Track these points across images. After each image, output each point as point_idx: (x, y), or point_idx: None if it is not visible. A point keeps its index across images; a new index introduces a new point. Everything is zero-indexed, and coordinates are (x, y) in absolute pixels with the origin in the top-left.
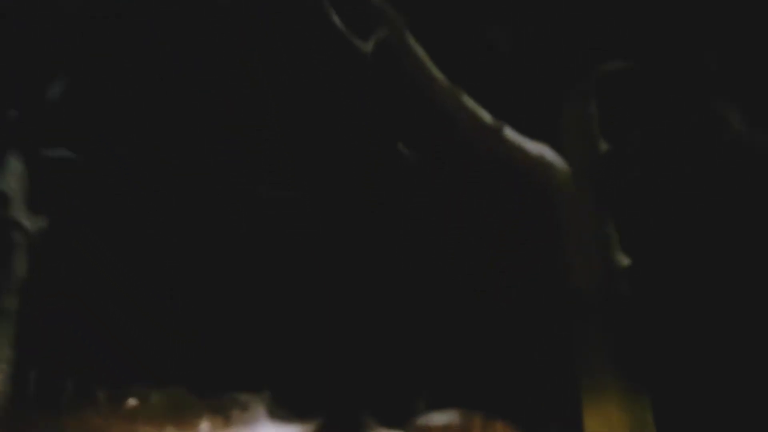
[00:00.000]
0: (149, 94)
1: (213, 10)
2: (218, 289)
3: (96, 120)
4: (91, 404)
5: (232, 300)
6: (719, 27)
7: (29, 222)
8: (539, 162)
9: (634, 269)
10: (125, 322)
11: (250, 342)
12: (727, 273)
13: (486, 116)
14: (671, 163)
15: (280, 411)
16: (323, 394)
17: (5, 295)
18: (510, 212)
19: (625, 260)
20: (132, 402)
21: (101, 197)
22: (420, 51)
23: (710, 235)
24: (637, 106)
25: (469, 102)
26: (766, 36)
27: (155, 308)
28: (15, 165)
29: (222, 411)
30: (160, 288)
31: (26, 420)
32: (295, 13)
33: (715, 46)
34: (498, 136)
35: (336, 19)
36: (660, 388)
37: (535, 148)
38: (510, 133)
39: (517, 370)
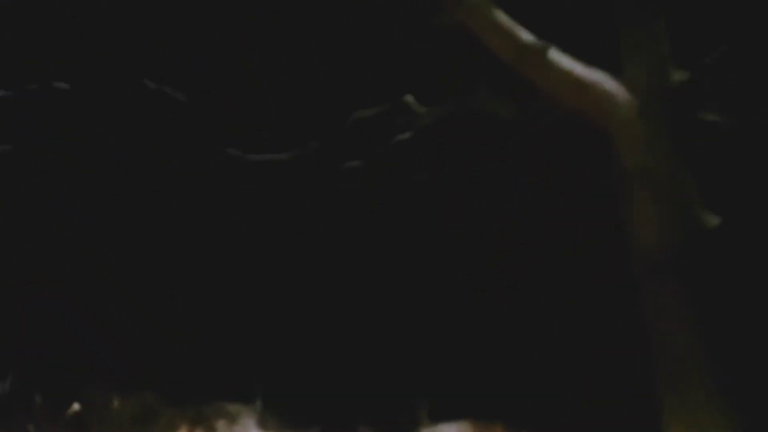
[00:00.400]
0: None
1: None
2: (204, 284)
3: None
4: (27, 410)
5: (218, 298)
6: None
7: None
8: (595, 93)
9: (722, 232)
10: (82, 312)
11: (238, 346)
12: None
13: (525, 36)
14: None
15: (271, 422)
16: (319, 404)
17: None
18: (548, 166)
19: (712, 219)
20: (76, 408)
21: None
22: None
23: None
24: (719, 24)
25: (503, 19)
26: None
27: (122, 297)
28: None
29: (204, 422)
30: (132, 273)
31: None
32: None
33: None
34: (541, 60)
35: None
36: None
37: (590, 75)
38: (557, 57)
39: (544, 372)
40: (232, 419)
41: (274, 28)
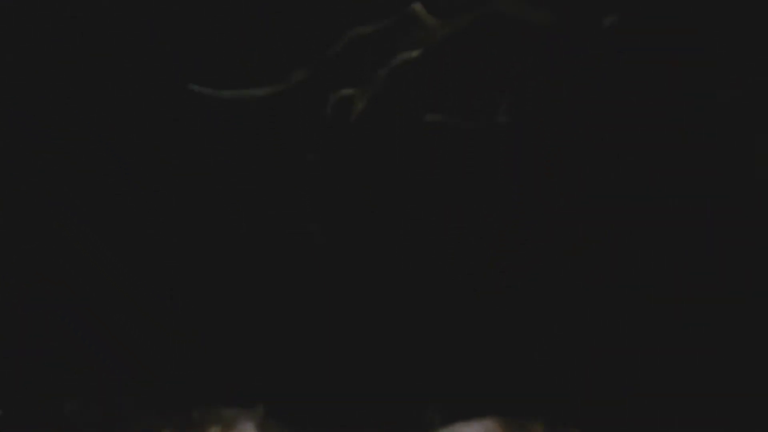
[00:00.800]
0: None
1: None
2: (199, 274)
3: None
4: None
5: (216, 291)
6: None
7: None
8: None
9: None
10: (42, 302)
11: (237, 344)
12: None
13: None
14: None
15: (273, 428)
16: (325, 407)
17: None
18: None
19: None
20: None
21: None
22: None
23: None
24: None
25: None
26: None
27: (93, 281)
28: None
29: (192, 428)
30: (110, 256)
31: None
32: None
33: None
34: None
35: None
36: None
37: None
38: None
39: (564, 369)
40: (228, 425)
41: None
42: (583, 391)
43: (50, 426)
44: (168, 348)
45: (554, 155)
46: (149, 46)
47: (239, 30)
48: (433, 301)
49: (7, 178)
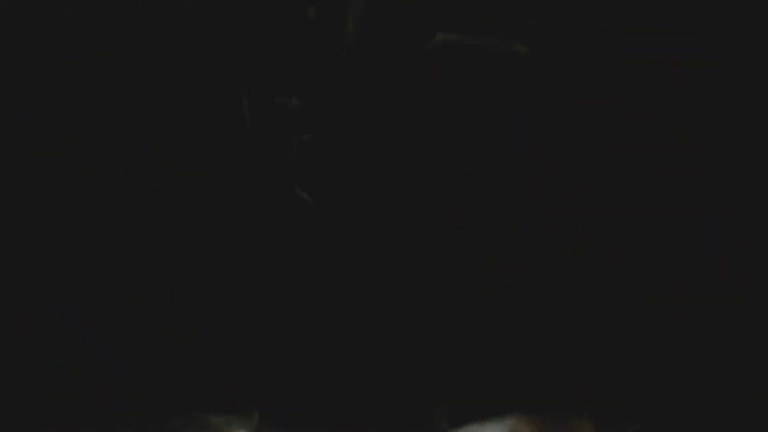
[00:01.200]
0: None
1: None
2: (195, 273)
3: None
4: None
5: (210, 291)
6: None
7: None
8: None
9: None
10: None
11: (231, 345)
12: None
13: None
14: None
15: None
16: (323, 408)
17: None
18: None
19: None
20: None
21: None
22: None
23: None
24: None
25: None
26: None
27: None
28: None
29: None
30: (109, 256)
31: None
32: None
33: None
34: None
35: None
36: None
37: None
38: None
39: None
40: None
41: None
42: (582, 391)
43: (50, 426)
44: (163, 350)
45: (556, 144)
46: (149, 46)
47: None
48: (432, 297)
49: (7, 178)
